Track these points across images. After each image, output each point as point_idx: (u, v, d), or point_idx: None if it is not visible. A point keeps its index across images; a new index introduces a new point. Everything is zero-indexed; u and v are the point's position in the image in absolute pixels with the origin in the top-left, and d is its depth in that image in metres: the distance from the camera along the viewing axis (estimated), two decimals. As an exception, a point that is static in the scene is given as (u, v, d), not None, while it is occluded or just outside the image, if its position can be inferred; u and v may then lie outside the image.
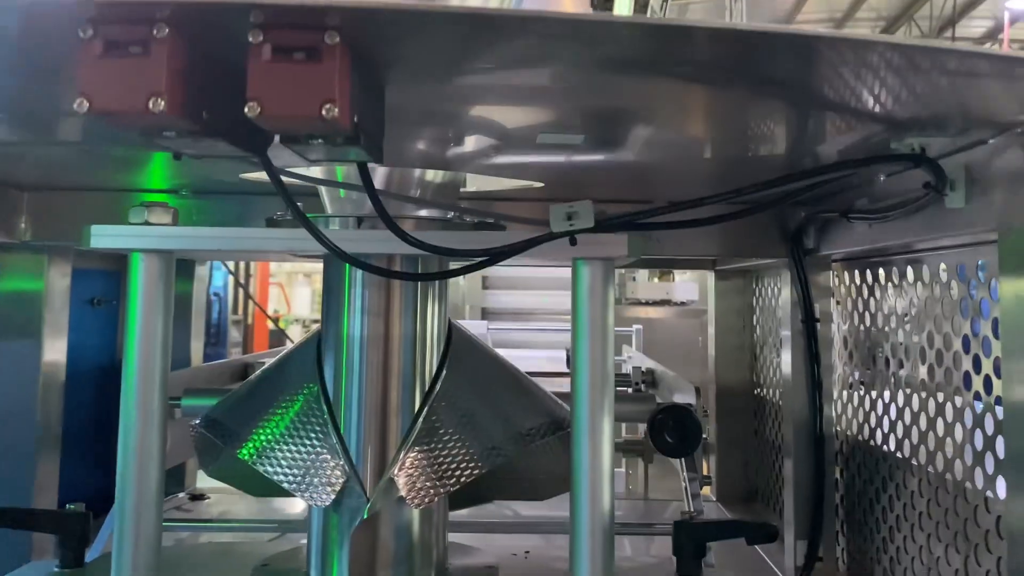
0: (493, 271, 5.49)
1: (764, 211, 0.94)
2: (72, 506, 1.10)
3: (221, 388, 1.49)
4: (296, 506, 1.72)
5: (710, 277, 2.00)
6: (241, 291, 5.05)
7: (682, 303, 6.25)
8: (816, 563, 1.43)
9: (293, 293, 14.49)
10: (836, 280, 1.45)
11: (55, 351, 1.48)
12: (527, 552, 1.21)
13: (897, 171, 0.98)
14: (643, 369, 2.02)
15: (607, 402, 1.01)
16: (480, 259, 0.88)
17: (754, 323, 1.92)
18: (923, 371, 1.16)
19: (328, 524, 1.04)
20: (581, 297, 0.99)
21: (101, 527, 1.29)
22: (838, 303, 1.46)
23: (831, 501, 1.44)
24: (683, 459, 1.49)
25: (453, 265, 0.99)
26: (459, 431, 1.04)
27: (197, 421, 1.12)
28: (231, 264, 3.39)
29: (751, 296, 1.94)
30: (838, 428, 1.45)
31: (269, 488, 1.30)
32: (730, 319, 1.96)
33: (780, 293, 1.68)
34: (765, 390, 1.84)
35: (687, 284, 6.21)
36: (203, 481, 2.02)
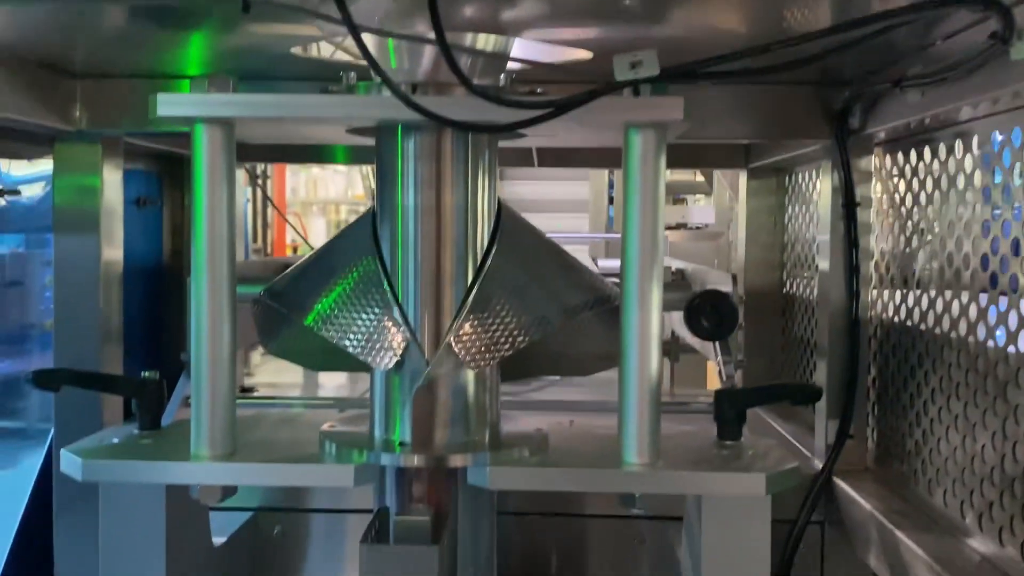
0: (508, 193, 5.51)
1: (835, 56, 0.94)
2: (148, 374, 1.16)
3: (272, 276, 1.54)
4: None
5: (742, 177, 2.01)
6: (259, 221, 5.17)
7: (697, 227, 6.26)
8: (847, 440, 1.48)
9: (309, 223, 14.59)
10: (878, 163, 1.46)
11: (113, 245, 1.53)
12: (572, 421, 1.26)
13: (959, 30, 0.98)
14: (672, 269, 2.05)
15: (656, 270, 1.04)
16: (545, 111, 0.91)
17: (786, 221, 1.94)
18: (968, 245, 1.18)
19: (391, 386, 1.10)
20: (633, 166, 1.02)
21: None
22: (879, 187, 1.47)
23: (863, 382, 1.49)
24: (718, 343, 1.53)
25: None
26: (510, 302, 1.09)
27: (259, 294, 1.17)
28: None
29: (784, 195, 1.95)
30: (873, 312, 1.49)
31: (328, 362, 1.36)
32: (761, 219, 1.98)
33: (818, 183, 1.70)
34: (796, 288, 1.87)
35: (703, 208, 6.21)
36: (248, 380, 2.11)
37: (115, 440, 1.14)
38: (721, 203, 5.18)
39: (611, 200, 5.70)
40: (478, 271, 1.08)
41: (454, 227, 1.07)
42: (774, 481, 1.06)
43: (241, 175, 2.10)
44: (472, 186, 1.08)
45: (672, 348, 2.09)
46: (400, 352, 1.06)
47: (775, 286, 1.98)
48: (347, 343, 1.06)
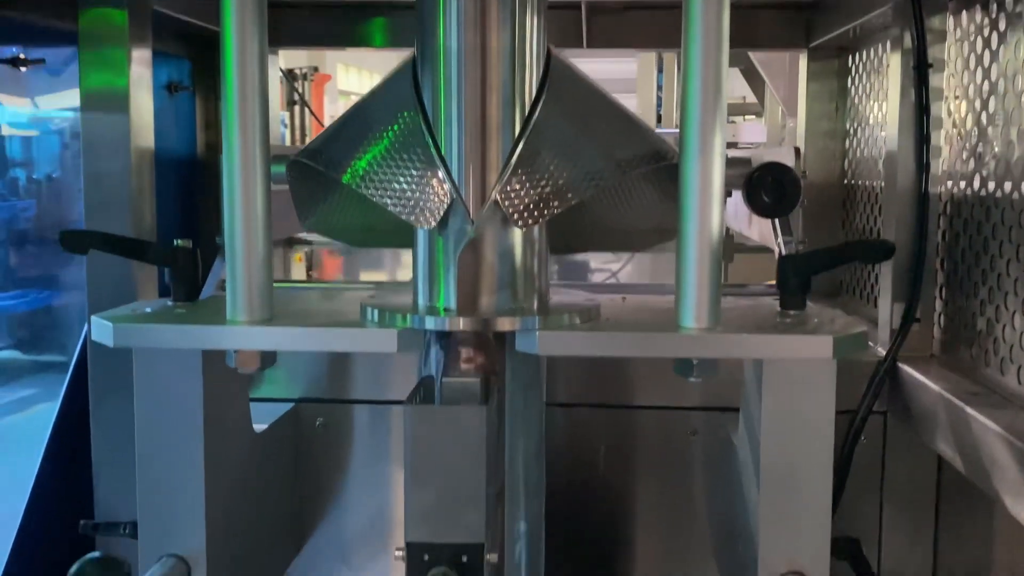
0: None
1: None
2: (180, 242, 1.12)
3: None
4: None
5: (802, 60, 1.89)
6: (296, 136, 5.19)
7: (748, 145, 6.09)
8: (913, 325, 1.40)
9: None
10: (952, 22, 1.35)
11: (143, 126, 1.47)
12: (624, 297, 1.20)
13: None
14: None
15: (719, 117, 0.96)
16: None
17: (848, 106, 1.83)
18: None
19: (434, 248, 1.04)
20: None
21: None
22: (953, 50, 1.36)
23: (931, 262, 1.40)
24: (778, 221, 1.45)
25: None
26: (560, 155, 1.02)
27: (295, 156, 1.11)
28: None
29: (846, 77, 1.84)
30: (943, 187, 1.39)
31: (369, 238, 1.31)
32: (822, 105, 1.87)
33: (884, 57, 1.59)
34: (858, 178, 1.77)
35: (754, 126, 6.04)
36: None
37: (148, 310, 1.10)
38: (773, 122, 5.01)
39: (659, 89, 5.51)
40: (525, 122, 1.01)
41: (500, 71, 0.99)
42: (842, 345, 0.99)
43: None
44: (520, 27, 1.00)
45: (726, 245, 2.01)
46: (444, 210, 0.99)
47: (836, 177, 1.88)
48: (388, 201, 1.00)
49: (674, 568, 1.50)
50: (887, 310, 1.43)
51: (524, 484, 1.18)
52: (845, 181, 1.86)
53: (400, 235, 1.27)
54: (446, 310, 1.03)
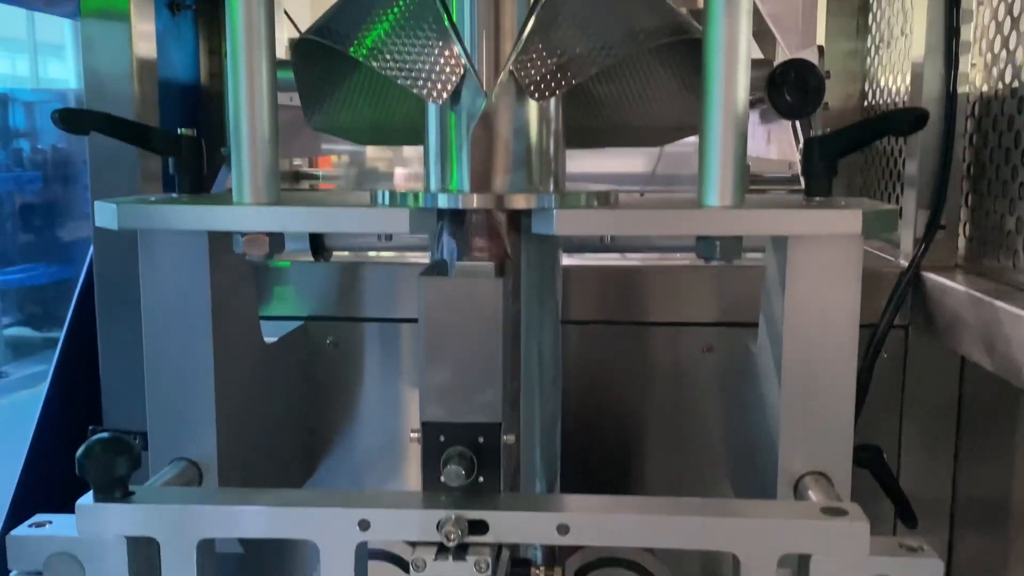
0: None
1: None
2: (184, 130, 1.08)
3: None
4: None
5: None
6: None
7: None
8: (938, 231, 1.36)
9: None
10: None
11: (145, 39, 1.43)
12: (642, 192, 1.16)
13: None
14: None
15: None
16: None
17: (869, 21, 1.78)
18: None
19: (446, 126, 1.00)
20: None
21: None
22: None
23: (958, 166, 1.36)
24: (799, 128, 1.40)
25: None
26: (576, 25, 0.97)
27: (300, 35, 1.07)
28: None
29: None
30: (970, 86, 1.35)
31: (378, 135, 1.27)
32: (843, 21, 1.82)
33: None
34: (880, 96, 1.73)
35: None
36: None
37: (152, 199, 1.07)
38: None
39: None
40: (540, -10, 0.97)
41: (515, -73, 0.94)
42: (872, 221, 0.95)
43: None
44: None
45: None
46: (456, 81, 0.95)
47: (856, 99, 1.83)
48: (397, 74, 0.96)
49: (689, 484, 1.47)
50: (911, 217, 1.39)
51: (539, 383, 1.14)
52: (866, 103, 1.82)
53: (409, 133, 1.23)
54: (459, 191, 0.99)
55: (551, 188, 1.02)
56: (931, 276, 1.33)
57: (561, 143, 1.04)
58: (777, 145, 1.62)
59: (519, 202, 0.96)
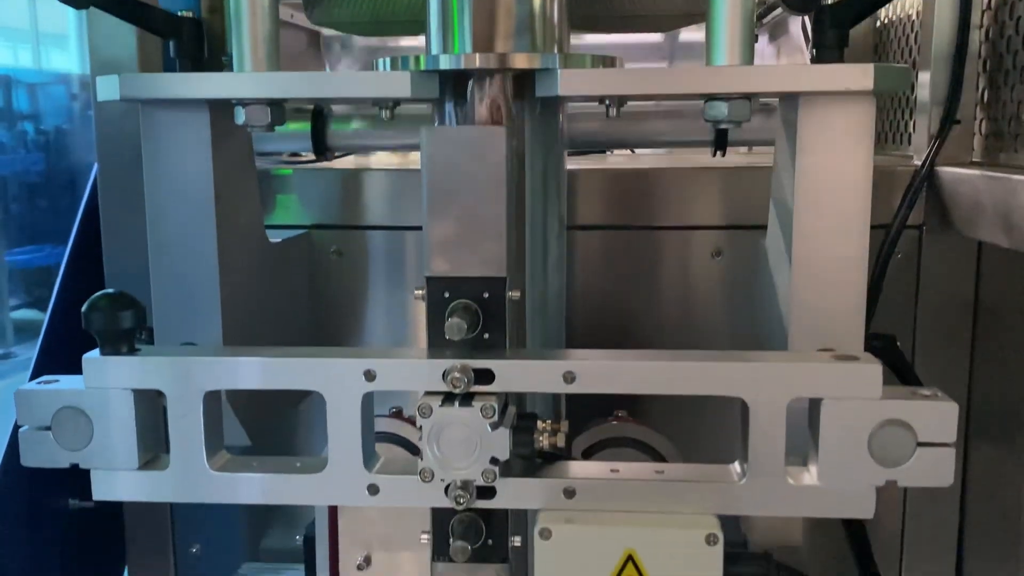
0: None
1: None
2: (184, 12, 1.06)
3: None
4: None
5: None
6: None
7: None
8: (953, 126, 1.33)
9: None
10: None
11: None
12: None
13: None
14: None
15: None
16: None
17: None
18: None
19: (448, -10, 0.98)
20: None
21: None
22: None
23: (973, 60, 1.33)
24: (810, 28, 1.37)
25: None
26: None
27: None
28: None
29: None
30: (987, -26, 1.32)
31: (378, 26, 1.26)
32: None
33: None
34: (896, 12, 1.69)
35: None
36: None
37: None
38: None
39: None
40: None
41: None
42: (883, 76, 0.93)
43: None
44: None
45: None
46: (458, -61, 0.94)
47: (866, 26, 1.79)
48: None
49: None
50: (925, 115, 1.37)
51: (545, 291, 1.13)
52: (878, 24, 1.78)
53: (409, 24, 1.22)
54: (461, 53, 0.98)
55: (555, 51, 1.00)
56: (946, 170, 1.31)
57: (564, 10, 1.02)
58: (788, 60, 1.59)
59: (522, 61, 0.95)
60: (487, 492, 0.83)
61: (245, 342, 1.15)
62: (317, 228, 1.48)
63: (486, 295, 0.87)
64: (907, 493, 1.46)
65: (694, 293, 1.46)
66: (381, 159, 1.77)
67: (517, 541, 0.87)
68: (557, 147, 1.15)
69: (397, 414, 1.16)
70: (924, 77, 1.36)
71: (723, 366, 0.82)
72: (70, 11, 1.12)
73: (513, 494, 0.84)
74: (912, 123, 1.46)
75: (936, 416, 0.81)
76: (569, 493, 0.83)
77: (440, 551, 0.87)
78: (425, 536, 0.88)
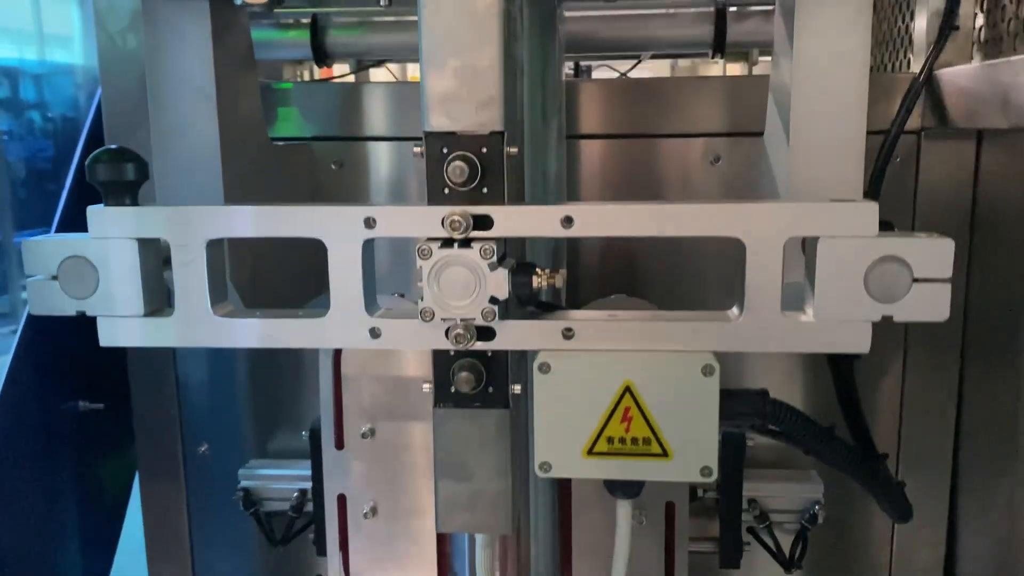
0: None
1: None
2: None
3: None
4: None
5: None
6: None
7: None
8: (952, 32, 1.34)
9: None
10: None
11: None
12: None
13: None
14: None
15: None
16: None
17: None
18: None
19: None
20: None
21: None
22: None
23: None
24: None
25: None
26: None
27: None
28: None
29: None
30: None
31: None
32: None
33: None
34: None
35: None
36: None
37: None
38: None
39: None
40: None
41: None
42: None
43: None
44: None
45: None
46: None
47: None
48: None
49: (694, 297, 1.46)
50: (923, 21, 1.37)
51: (544, 168, 1.13)
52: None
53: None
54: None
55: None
56: (945, 71, 1.31)
57: None
58: None
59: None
60: (487, 333, 0.84)
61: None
62: (317, 140, 1.49)
63: (484, 150, 0.88)
64: (904, 405, 1.46)
65: (694, 199, 1.47)
66: (379, 75, 1.77)
67: (517, 389, 0.88)
68: (555, 54, 1.15)
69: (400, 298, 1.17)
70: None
71: (721, 207, 0.83)
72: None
73: (512, 335, 0.85)
74: (911, 30, 1.46)
75: (932, 252, 0.82)
76: (568, 334, 0.84)
77: (442, 398, 0.88)
78: (427, 385, 0.89)
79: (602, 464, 0.82)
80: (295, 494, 1.37)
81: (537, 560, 1.08)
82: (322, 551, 1.26)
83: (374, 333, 0.86)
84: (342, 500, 1.13)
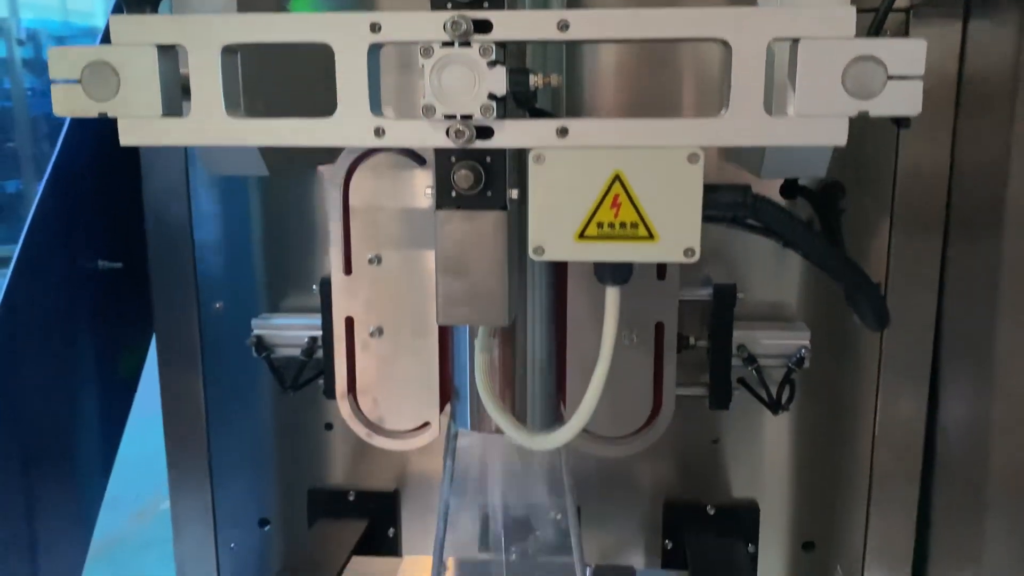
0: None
1: None
2: None
3: None
4: None
5: None
6: None
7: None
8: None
9: None
10: None
11: None
12: None
13: None
14: None
15: None
16: None
17: None
18: None
19: None
20: None
21: None
22: None
23: None
24: None
25: None
26: None
27: None
28: None
29: None
30: None
31: None
32: None
33: None
34: None
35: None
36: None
37: None
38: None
39: None
40: None
41: None
42: None
43: None
44: None
45: None
46: None
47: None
48: None
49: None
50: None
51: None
52: None
53: None
54: None
55: None
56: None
57: None
58: None
59: None
60: (486, 132, 0.90)
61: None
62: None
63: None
64: (885, 335, 1.48)
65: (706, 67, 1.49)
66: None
67: (514, 194, 0.93)
68: None
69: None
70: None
71: (708, 10, 0.88)
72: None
73: (510, 134, 0.90)
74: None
75: (906, 51, 0.86)
76: (562, 132, 0.89)
77: (444, 201, 0.94)
78: (429, 189, 0.94)
79: (592, 247, 0.88)
80: (305, 340, 1.44)
81: (534, 356, 1.14)
82: (331, 394, 1.33)
83: (378, 132, 0.91)
84: (349, 322, 1.19)
